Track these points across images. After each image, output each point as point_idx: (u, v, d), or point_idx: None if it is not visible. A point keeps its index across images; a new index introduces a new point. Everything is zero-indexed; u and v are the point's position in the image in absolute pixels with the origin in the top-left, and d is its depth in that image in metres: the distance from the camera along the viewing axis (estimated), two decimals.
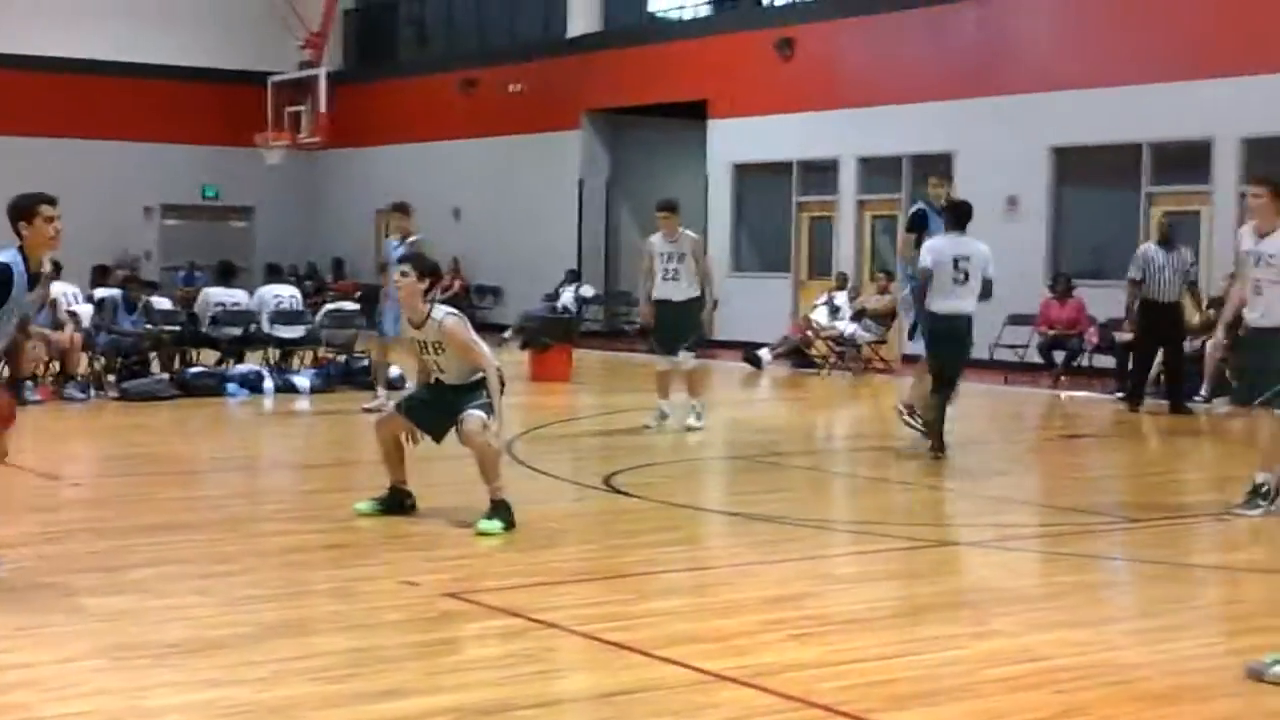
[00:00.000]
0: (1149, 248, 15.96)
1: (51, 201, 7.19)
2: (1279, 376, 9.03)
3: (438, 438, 8.83)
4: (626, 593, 7.27)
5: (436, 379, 8.77)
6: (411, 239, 14.28)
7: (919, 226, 12.87)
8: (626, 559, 8.10)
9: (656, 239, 13.63)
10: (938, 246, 11.88)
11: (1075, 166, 20.71)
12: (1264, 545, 8.71)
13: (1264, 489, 9.26)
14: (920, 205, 13.42)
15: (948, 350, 11.90)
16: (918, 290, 12.20)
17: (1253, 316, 9.31)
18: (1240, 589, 7.76)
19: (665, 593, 7.32)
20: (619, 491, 10.15)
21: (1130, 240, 17.36)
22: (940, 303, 11.75)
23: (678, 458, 12.24)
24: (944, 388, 11.93)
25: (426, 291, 8.67)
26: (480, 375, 8.61)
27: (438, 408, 8.69)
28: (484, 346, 8.74)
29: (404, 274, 8.69)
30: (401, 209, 14.73)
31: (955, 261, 11.71)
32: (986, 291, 11.76)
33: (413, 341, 8.79)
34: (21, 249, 7.09)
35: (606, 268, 28.23)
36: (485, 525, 8.37)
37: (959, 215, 12.03)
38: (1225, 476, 11.71)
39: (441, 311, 8.66)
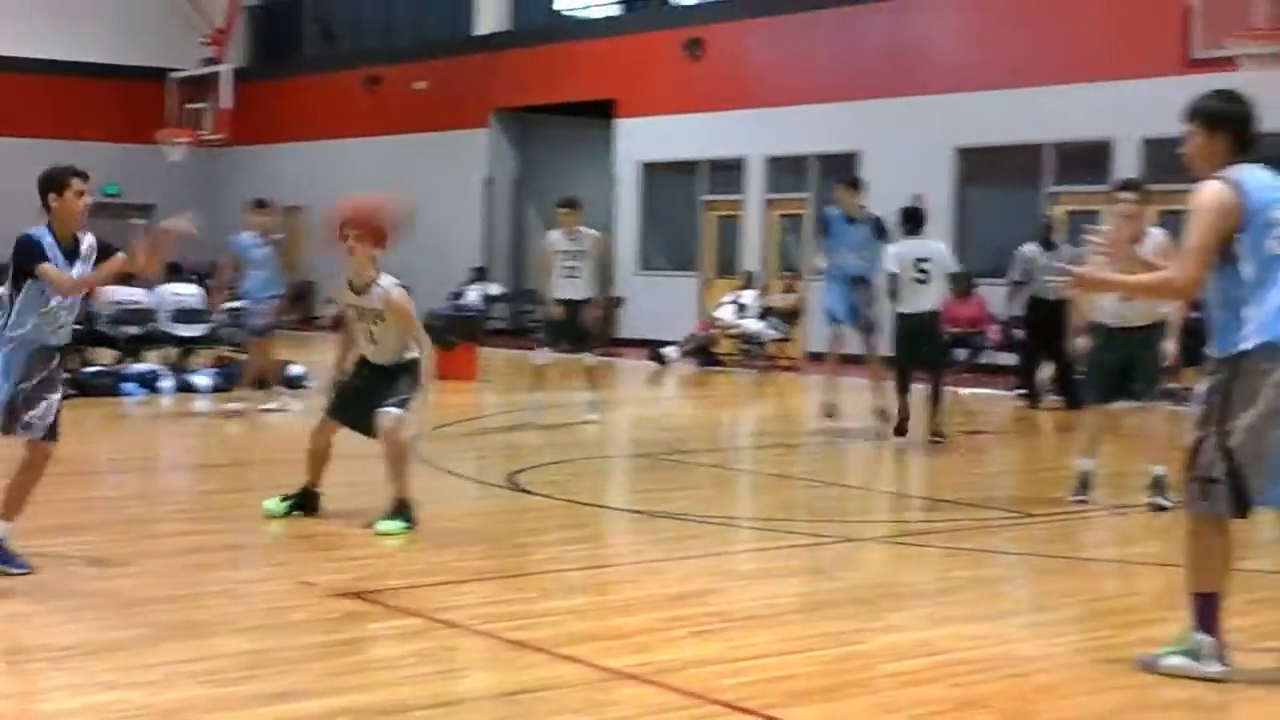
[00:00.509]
0: (1029, 248, 16.23)
1: (83, 176, 7.26)
2: (1159, 372, 9.59)
3: (373, 433, 8.61)
4: (528, 591, 7.25)
5: (363, 358, 8.67)
6: (274, 236, 14.28)
7: (823, 230, 13.65)
8: (529, 558, 8.08)
9: (556, 236, 13.67)
10: (899, 252, 12.51)
11: (979, 166, 20.93)
12: (1157, 539, 8.83)
13: (1164, 479, 9.40)
14: (827, 209, 13.73)
15: (911, 347, 12.59)
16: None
17: (1129, 315, 9.52)
18: (1134, 582, 7.88)
19: (567, 591, 7.31)
20: (523, 490, 10.12)
21: (1032, 237, 17.54)
22: (905, 304, 12.46)
23: (582, 455, 12.21)
24: (907, 383, 12.70)
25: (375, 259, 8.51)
26: (409, 358, 8.53)
27: (365, 401, 8.54)
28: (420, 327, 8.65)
29: (358, 238, 8.50)
30: (260, 205, 14.71)
31: (916, 263, 12.39)
32: (956, 284, 12.85)
33: (349, 308, 8.63)
34: (50, 224, 7.15)
35: (513, 266, 28.16)
36: (385, 525, 8.30)
37: (912, 218, 12.72)
38: (1120, 472, 11.88)
39: (389, 281, 8.50)
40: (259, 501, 8.82)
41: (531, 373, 13.96)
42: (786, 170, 23.31)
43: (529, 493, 10.02)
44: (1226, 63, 16.99)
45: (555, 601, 7.03)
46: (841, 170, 22.02)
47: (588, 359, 13.80)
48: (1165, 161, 18.57)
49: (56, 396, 7.25)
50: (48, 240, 7.10)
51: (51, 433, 7.25)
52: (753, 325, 21.06)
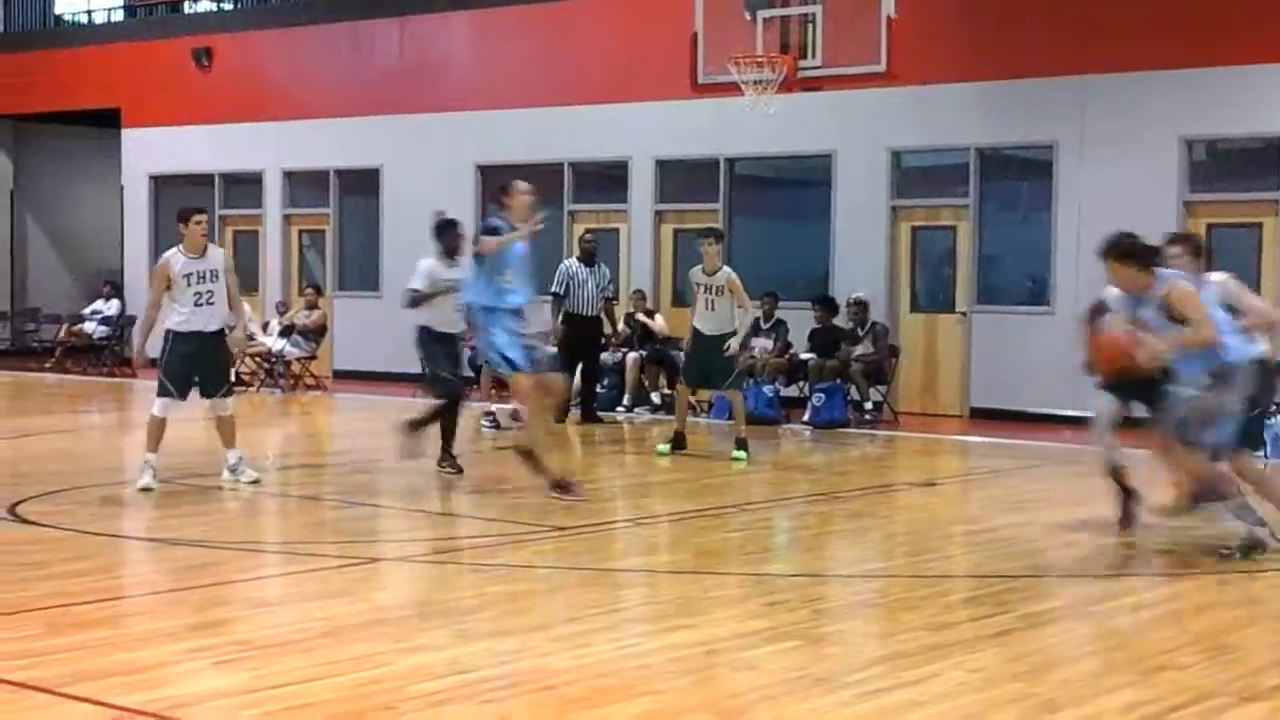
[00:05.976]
0: (571, 264, 16.48)
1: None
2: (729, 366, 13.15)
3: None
4: (33, 628, 6.74)
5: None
6: None
7: None
8: (32, 592, 7.51)
9: (175, 255, 11.29)
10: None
11: (499, 183, 21.05)
12: (682, 549, 9.07)
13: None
14: None
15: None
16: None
17: (708, 328, 13.13)
18: (659, 590, 8.02)
19: (76, 626, 6.83)
20: (26, 521, 9.48)
21: (554, 256, 17.83)
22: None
23: (91, 483, 11.55)
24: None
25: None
26: None
27: None
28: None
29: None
30: None
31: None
32: None
33: None
34: None
35: (13, 282, 26.56)
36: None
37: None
38: (644, 482, 12.20)
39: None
40: None
41: (151, 426, 11.14)
42: (306, 184, 22.91)
43: (33, 524, 9.39)
44: (732, 87, 17.74)
45: (62, 638, 6.56)
46: (363, 184, 21.90)
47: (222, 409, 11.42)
48: (677, 181, 19.43)
49: None
50: None
51: None
52: (276, 343, 20.52)
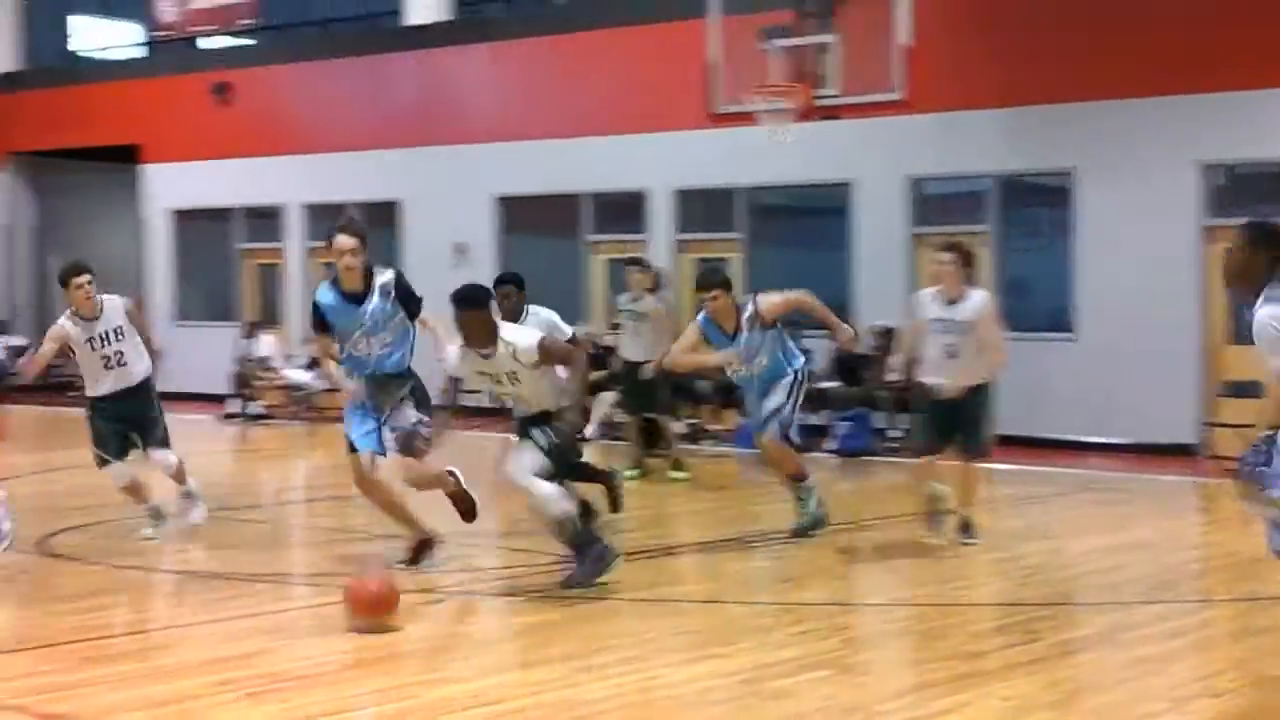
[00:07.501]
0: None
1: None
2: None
3: None
4: (64, 661, 6.77)
5: None
6: None
7: None
8: (63, 625, 7.55)
9: (66, 323, 10.46)
10: None
11: (520, 215, 21.16)
12: (709, 578, 9.06)
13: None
14: None
15: None
16: None
17: (636, 354, 13.24)
18: (687, 619, 7.99)
19: (108, 659, 6.86)
20: (56, 555, 9.51)
21: (574, 285, 17.88)
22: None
23: (119, 517, 11.56)
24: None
25: None
26: None
27: None
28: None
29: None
30: None
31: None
32: None
33: None
34: None
35: (39, 318, 26.64)
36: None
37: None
38: (666, 512, 12.18)
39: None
40: None
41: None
42: (326, 218, 22.94)
43: (63, 557, 9.42)
44: (748, 117, 17.76)
45: (95, 670, 6.59)
46: (383, 217, 21.96)
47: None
48: (695, 211, 19.45)
49: None
50: None
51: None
52: (298, 375, 20.56)
